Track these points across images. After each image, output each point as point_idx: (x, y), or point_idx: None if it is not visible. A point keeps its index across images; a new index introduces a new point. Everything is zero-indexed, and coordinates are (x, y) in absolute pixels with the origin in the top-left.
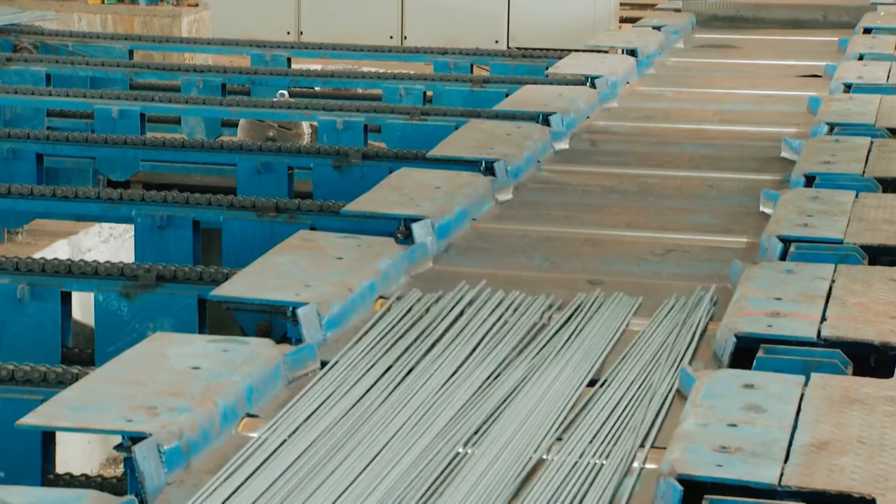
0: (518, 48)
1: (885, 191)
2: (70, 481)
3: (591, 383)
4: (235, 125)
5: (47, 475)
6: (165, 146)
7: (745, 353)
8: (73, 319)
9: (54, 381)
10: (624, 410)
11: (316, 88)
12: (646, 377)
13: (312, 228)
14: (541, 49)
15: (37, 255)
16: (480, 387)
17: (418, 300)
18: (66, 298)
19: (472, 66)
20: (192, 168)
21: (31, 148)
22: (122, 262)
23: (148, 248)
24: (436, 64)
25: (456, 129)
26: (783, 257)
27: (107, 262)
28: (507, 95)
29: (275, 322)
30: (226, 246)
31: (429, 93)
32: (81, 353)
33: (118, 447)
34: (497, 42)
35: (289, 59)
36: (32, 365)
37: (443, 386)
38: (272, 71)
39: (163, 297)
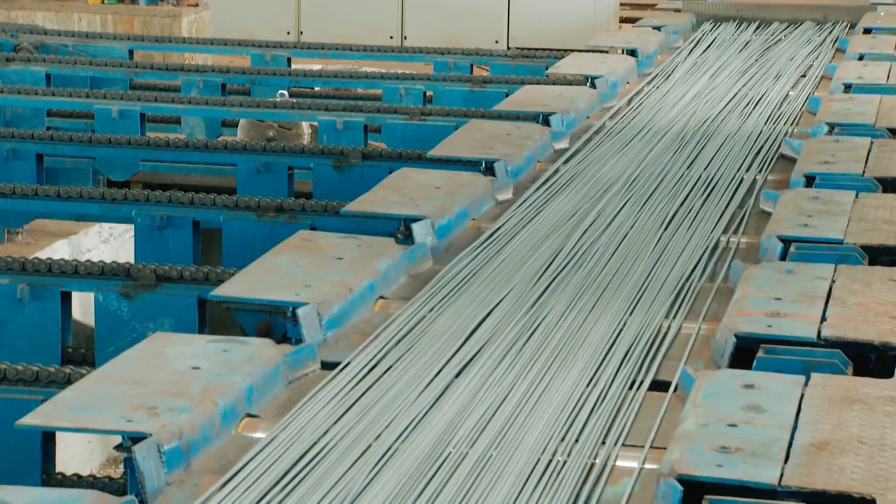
0: (518, 48)
1: (885, 191)
2: (74, 482)
3: None
4: (235, 125)
5: (49, 475)
6: (166, 146)
7: (745, 353)
8: (73, 319)
9: (46, 381)
10: None
11: (316, 88)
12: None
13: (312, 229)
14: (541, 49)
15: (37, 255)
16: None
17: None
18: (66, 298)
19: (472, 66)
20: (192, 168)
21: (30, 148)
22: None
23: (148, 248)
24: (436, 64)
25: (456, 129)
26: (783, 257)
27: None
28: (507, 95)
29: (275, 322)
30: (226, 246)
31: (429, 93)
32: (82, 353)
33: (118, 447)
34: (497, 42)
35: (289, 60)
36: (26, 364)
37: None
38: (272, 71)
39: (163, 297)
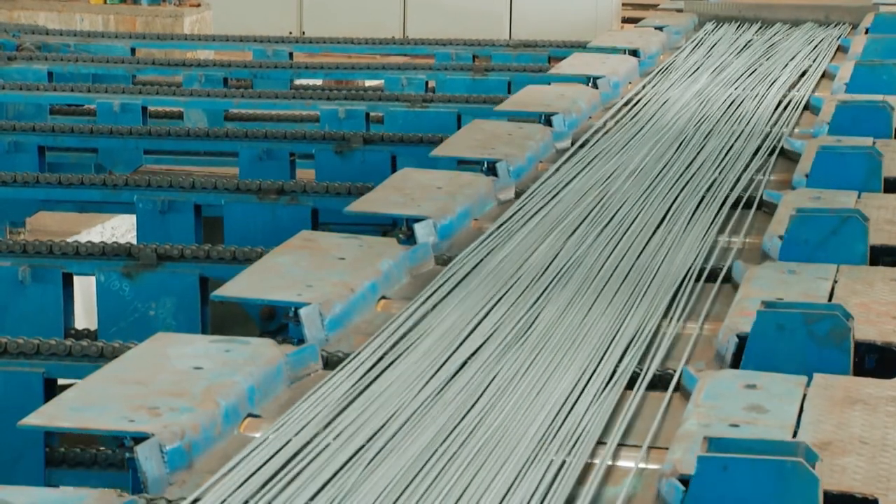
0: None
1: (887, 191)
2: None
3: None
4: (238, 119)
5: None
6: (167, 135)
7: None
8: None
9: (48, 353)
10: None
11: (319, 82)
12: None
13: (314, 211)
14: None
15: None
16: None
17: None
18: (67, 280)
19: (473, 56)
20: (195, 160)
21: (32, 140)
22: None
23: (150, 233)
24: (438, 56)
25: (457, 115)
26: None
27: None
28: (508, 84)
29: (278, 310)
30: (228, 229)
31: (431, 82)
32: (84, 335)
33: (120, 447)
34: None
35: (291, 55)
36: (26, 338)
37: None
38: (274, 64)
39: (164, 277)
